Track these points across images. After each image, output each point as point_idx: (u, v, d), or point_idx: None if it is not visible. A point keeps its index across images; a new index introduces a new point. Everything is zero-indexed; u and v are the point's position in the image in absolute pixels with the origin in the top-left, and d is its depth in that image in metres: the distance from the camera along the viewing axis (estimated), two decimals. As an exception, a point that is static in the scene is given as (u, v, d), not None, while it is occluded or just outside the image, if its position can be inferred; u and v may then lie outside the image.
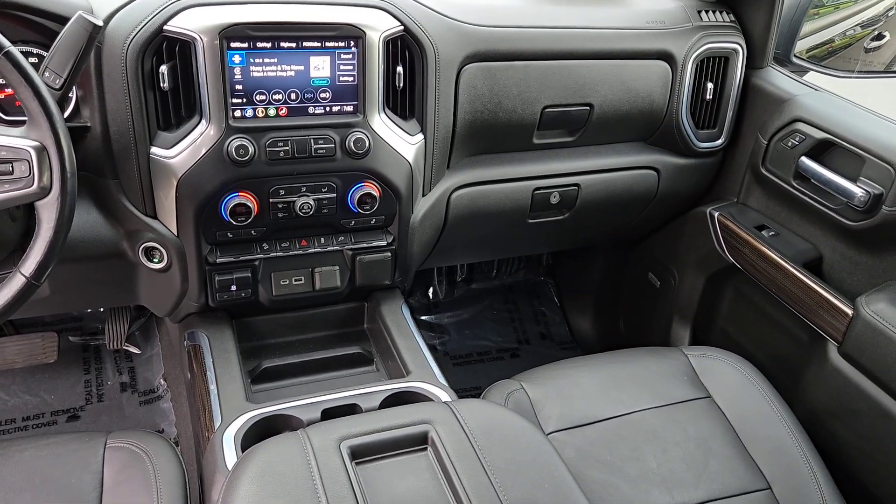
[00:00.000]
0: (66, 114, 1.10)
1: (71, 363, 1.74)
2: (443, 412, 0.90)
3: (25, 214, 1.04)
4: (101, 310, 1.79)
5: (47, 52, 0.94)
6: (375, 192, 1.22)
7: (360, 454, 0.82)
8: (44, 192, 0.86)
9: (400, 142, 1.22)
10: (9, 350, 1.66)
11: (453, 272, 2.11)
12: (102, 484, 0.98)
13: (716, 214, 1.58)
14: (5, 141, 0.84)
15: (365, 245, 1.28)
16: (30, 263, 0.87)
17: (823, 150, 1.38)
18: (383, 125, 1.20)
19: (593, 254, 2.06)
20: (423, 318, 2.07)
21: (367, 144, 1.18)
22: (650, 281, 1.85)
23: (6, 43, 0.83)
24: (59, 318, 1.79)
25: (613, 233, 1.77)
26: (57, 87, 0.92)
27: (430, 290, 2.11)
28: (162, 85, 1.08)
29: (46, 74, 0.91)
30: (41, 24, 1.05)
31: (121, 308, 1.75)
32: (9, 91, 1.12)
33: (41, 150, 0.85)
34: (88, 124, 1.10)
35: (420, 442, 0.85)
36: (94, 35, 0.93)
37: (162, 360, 1.76)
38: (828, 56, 1.83)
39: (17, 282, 0.87)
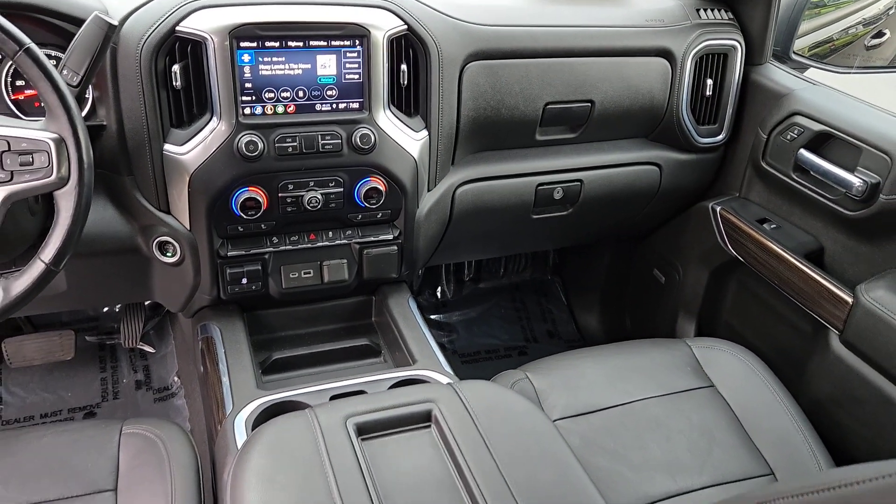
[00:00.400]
0: (83, 113, 1.15)
1: (87, 362, 1.78)
2: (446, 392, 0.92)
3: (43, 210, 1.08)
4: (117, 309, 1.84)
5: (64, 53, 0.98)
6: (381, 187, 1.25)
7: (366, 431, 0.85)
8: (62, 182, 0.89)
9: (405, 138, 1.26)
10: (28, 348, 1.71)
11: (461, 271, 2.14)
12: (118, 468, 1.02)
13: (718, 209, 1.60)
14: (26, 133, 0.88)
15: (372, 239, 1.31)
16: (49, 250, 0.91)
17: (822, 143, 1.40)
18: (388, 121, 1.24)
19: (599, 251, 2.08)
20: (432, 316, 2.10)
21: (372, 140, 1.21)
22: (655, 277, 1.87)
23: (26, 40, 0.87)
24: (76, 318, 1.83)
25: (617, 228, 1.79)
26: (74, 84, 0.96)
27: (439, 289, 2.14)
28: (174, 84, 1.12)
29: (64, 72, 0.95)
30: (59, 27, 1.10)
31: (136, 307, 1.79)
32: (28, 92, 1.17)
33: (60, 142, 0.89)
34: (104, 123, 1.14)
35: (424, 420, 0.88)
36: (109, 34, 0.97)
37: (176, 359, 1.80)
38: (830, 54, 1.85)
39: (36, 268, 0.91)
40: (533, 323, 2.18)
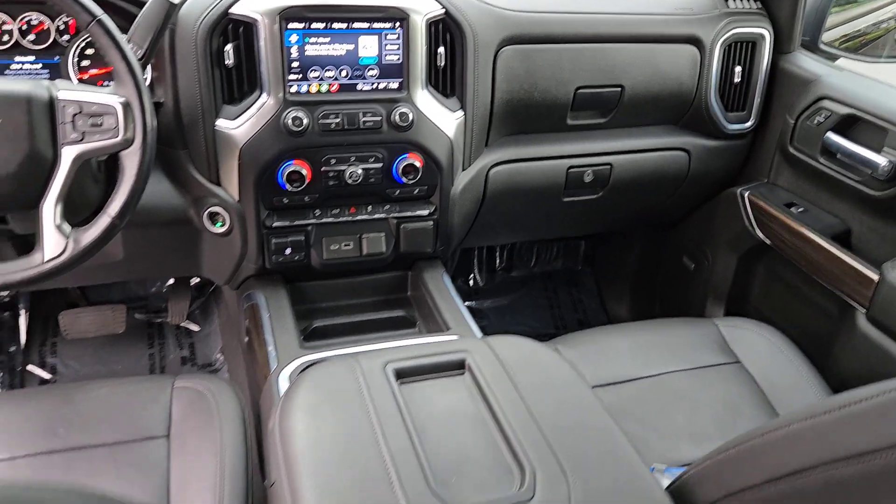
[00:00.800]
0: None
1: (136, 338, 1.87)
2: (479, 344, 0.98)
3: (104, 180, 1.17)
4: (164, 290, 1.93)
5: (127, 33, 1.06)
6: (418, 163, 1.31)
7: (404, 375, 0.91)
8: (127, 143, 0.97)
9: (441, 117, 1.32)
10: (82, 320, 1.81)
11: (493, 260, 2.19)
12: (170, 417, 1.09)
13: (746, 194, 1.63)
14: (96, 98, 0.96)
15: (409, 214, 1.38)
16: (115, 205, 0.99)
17: (849, 126, 1.43)
18: (426, 101, 1.30)
19: (630, 242, 2.12)
20: (465, 303, 2.15)
21: (410, 118, 1.28)
22: (685, 264, 1.90)
23: (99, 11, 0.95)
24: (126, 297, 1.93)
25: (647, 214, 1.83)
26: (138, 58, 1.04)
27: (472, 277, 2.20)
28: (227, 62, 1.20)
29: (130, 46, 1.03)
30: (122, 8, 1.19)
31: (182, 287, 1.88)
32: (92, 72, 1.26)
33: (126, 106, 0.96)
34: (162, 100, 1.23)
35: (458, 367, 0.94)
36: (170, 12, 1.05)
37: (219, 336, 1.88)
38: (861, 47, 1.87)
39: (103, 222, 0.99)
40: (564, 312, 2.22)
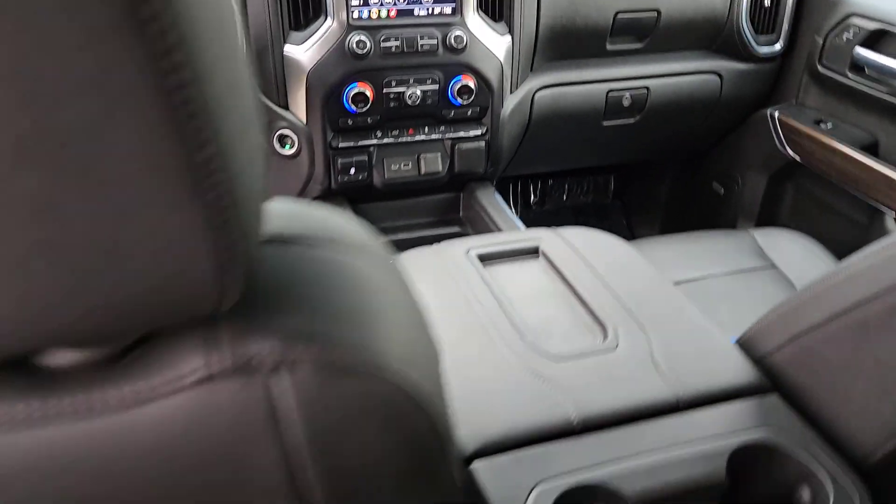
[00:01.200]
0: None
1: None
2: (549, 233, 1.07)
3: None
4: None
5: None
6: (472, 84, 1.39)
7: (485, 259, 1.00)
8: None
9: (491, 41, 1.40)
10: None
11: (528, 194, 2.28)
12: None
13: (776, 114, 1.71)
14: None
15: (463, 134, 1.46)
16: None
17: (877, 40, 1.50)
18: (477, 25, 1.38)
19: (658, 173, 2.20)
20: (501, 235, 2.23)
21: (464, 41, 1.36)
22: (714, 190, 1.98)
23: None
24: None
25: (680, 140, 1.91)
26: None
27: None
28: None
29: None
30: None
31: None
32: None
33: None
34: None
35: (533, 252, 1.03)
36: None
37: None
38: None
39: None
40: (595, 243, 2.30)
